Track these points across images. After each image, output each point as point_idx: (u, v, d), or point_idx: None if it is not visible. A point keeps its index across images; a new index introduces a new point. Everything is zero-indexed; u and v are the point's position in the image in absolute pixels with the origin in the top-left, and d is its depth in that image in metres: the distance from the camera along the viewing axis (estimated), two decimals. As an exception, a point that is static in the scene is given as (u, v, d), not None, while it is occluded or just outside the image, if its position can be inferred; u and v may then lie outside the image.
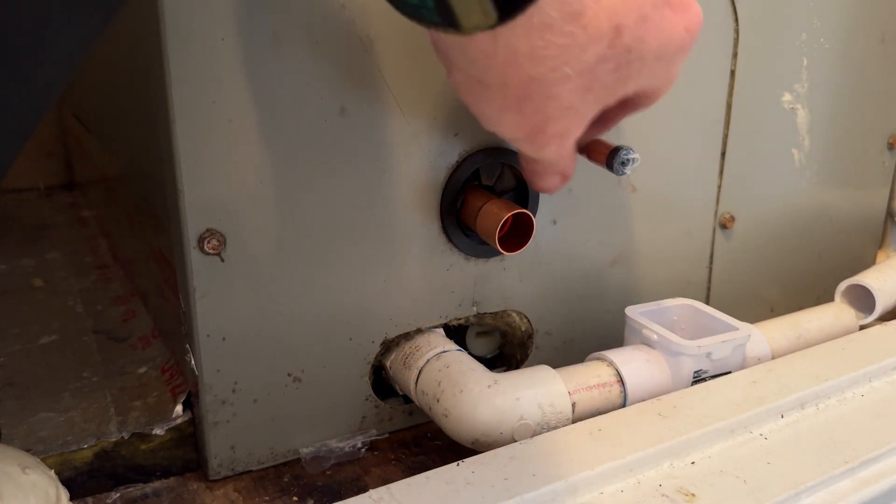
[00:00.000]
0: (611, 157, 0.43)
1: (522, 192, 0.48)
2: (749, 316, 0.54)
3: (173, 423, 0.44)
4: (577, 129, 0.35)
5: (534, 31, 0.27)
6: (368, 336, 0.46)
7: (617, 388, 0.45)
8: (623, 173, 0.43)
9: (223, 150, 0.39)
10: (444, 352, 0.45)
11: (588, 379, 0.45)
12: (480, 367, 0.44)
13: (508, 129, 0.34)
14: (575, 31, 0.28)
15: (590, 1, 0.28)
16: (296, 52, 0.39)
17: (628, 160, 0.43)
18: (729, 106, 0.56)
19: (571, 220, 0.50)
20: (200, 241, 0.39)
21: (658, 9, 0.31)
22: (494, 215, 0.43)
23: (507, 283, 0.49)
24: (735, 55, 0.55)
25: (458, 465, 0.37)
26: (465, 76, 0.33)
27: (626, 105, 0.37)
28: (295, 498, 0.43)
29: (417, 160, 0.44)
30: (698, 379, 0.46)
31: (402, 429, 0.49)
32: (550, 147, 0.35)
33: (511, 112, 0.32)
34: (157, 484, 0.44)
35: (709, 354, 0.46)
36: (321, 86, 0.40)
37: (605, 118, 0.39)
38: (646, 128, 0.51)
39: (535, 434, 0.42)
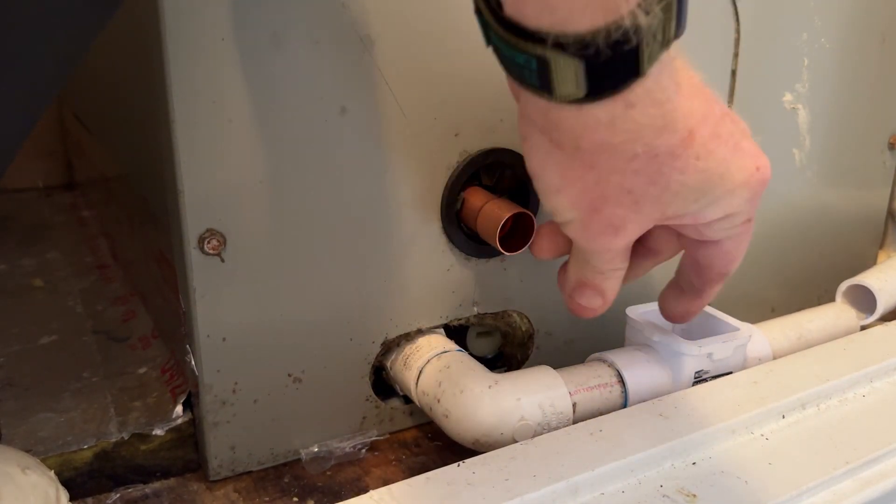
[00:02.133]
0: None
1: (523, 193, 0.48)
2: (750, 316, 0.54)
3: (173, 424, 0.44)
4: (630, 231, 0.34)
5: (617, 106, 0.29)
6: (369, 336, 0.46)
7: (618, 389, 0.45)
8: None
9: (223, 150, 0.39)
10: (445, 352, 0.45)
11: (589, 379, 0.45)
12: (481, 368, 0.44)
13: (568, 199, 0.34)
14: (655, 115, 0.30)
15: (673, 95, 0.30)
16: (296, 52, 0.39)
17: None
18: (730, 105, 0.55)
19: (572, 220, 0.50)
20: (200, 241, 0.39)
21: (732, 134, 0.33)
22: (495, 215, 0.43)
23: (507, 283, 0.49)
24: (736, 55, 0.54)
25: (458, 465, 0.37)
26: (542, 139, 0.33)
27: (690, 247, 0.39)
28: (295, 499, 0.43)
29: (418, 160, 0.44)
30: (699, 379, 0.46)
31: (402, 429, 0.49)
32: (603, 238, 0.35)
33: (574, 181, 0.33)
34: (157, 484, 0.44)
35: (710, 355, 0.46)
36: (321, 86, 0.40)
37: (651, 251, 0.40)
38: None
39: (535, 434, 0.42)
